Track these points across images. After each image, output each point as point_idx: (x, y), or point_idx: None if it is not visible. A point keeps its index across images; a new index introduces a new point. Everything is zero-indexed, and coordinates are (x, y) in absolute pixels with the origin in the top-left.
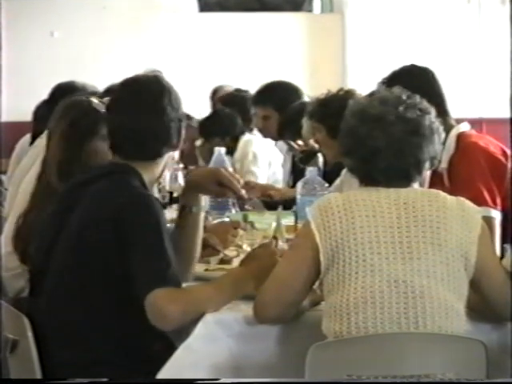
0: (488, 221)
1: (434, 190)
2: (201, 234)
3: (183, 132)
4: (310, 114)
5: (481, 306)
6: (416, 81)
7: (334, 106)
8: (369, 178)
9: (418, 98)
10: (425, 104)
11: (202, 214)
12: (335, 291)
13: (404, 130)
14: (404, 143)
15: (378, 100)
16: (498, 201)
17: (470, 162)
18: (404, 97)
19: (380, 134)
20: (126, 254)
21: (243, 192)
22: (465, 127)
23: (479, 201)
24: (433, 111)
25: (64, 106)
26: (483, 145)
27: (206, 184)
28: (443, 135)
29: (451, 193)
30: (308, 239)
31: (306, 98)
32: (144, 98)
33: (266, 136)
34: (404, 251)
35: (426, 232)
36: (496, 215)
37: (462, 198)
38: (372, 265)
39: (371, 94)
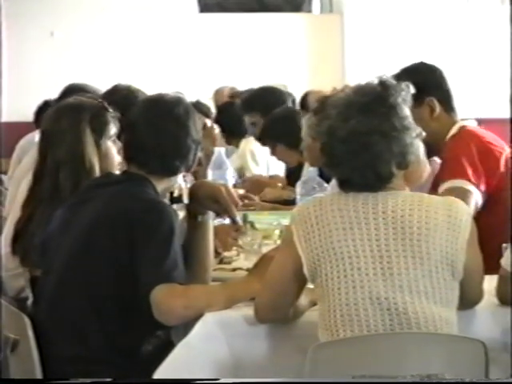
0: (463, 192)
1: (417, 195)
2: (211, 240)
3: (198, 155)
4: (314, 111)
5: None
6: (424, 78)
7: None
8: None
9: (392, 91)
10: (395, 99)
11: (211, 221)
12: (323, 303)
13: (354, 148)
14: (356, 157)
15: (337, 109)
16: (482, 185)
17: (460, 143)
18: (366, 99)
19: (333, 148)
20: (135, 255)
21: (238, 218)
22: (470, 123)
23: (460, 173)
24: (406, 102)
25: (75, 107)
26: (478, 133)
27: (204, 200)
28: (417, 130)
29: (439, 174)
30: (291, 250)
31: (290, 103)
32: (172, 117)
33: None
34: (384, 266)
35: (405, 245)
36: (473, 190)
37: (450, 198)
38: (353, 281)
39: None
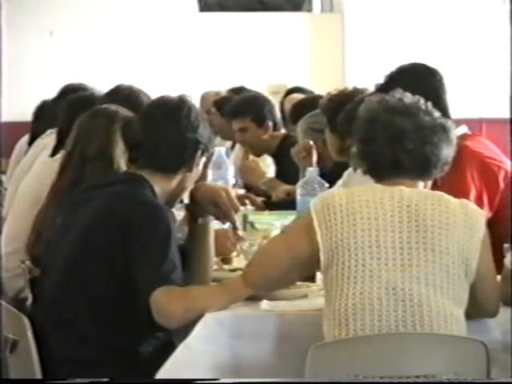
0: None
1: (437, 193)
2: (211, 242)
3: (199, 154)
4: (320, 108)
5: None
6: (422, 81)
7: (337, 101)
8: (387, 163)
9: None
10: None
11: (211, 224)
12: (334, 293)
13: (431, 121)
14: (430, 131)
15: (403, 96)
16: (486, 205)
17: (458, 166)
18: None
19: (408, 117)
20: (132, 257)
21: (238, 223)
22: (462, 130)
23: None
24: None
25: (111, 111)
26: (475, 148)
27: (204, 203)
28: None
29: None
30: (309, 234)
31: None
32: (160, 111)
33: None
34: (404, 257)
35: (426, 238)
36: None
37: (465, 201)
38: (371, 270)
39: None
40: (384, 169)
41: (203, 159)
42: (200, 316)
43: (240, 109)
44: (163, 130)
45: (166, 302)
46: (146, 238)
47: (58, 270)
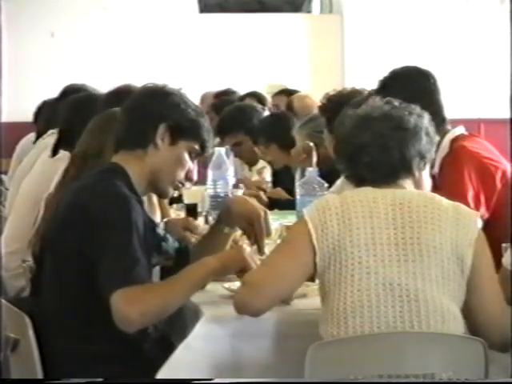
0: None
1: (429, 193)
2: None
3: (163, 128)
4: (318, 109)
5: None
6: (415, 84)
7: (336, 101)
8: (354, 177)
9: (411, 106)
10: (418, 110)
11: (233, 235)
12: (332, 293)
13: (388, 126)
14: (388, 138)
15: (367, 105)
16: (484, 205)
17: (456, 166)
18: (395, 102)
19: (364, 130)
20: (95, 253)
21: (265, 250)
22: (459, 131)
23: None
24: (426, 116)
25: (108, 114)
26: (472, 148)
27: (238, 217)
28: (436, 138)
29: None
30: (305, 239)
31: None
32: (140, 93)
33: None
34: (400, 253)
35: (421, 233)
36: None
37: (457, 203)
38: (368, 267)
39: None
40: (352, 181)
41: (184, 143)
42: (163, 315)
43: (230, 126)
44: (132, 107)
45: (121, 307)
46: (105, 233)
47: (49, 268)
